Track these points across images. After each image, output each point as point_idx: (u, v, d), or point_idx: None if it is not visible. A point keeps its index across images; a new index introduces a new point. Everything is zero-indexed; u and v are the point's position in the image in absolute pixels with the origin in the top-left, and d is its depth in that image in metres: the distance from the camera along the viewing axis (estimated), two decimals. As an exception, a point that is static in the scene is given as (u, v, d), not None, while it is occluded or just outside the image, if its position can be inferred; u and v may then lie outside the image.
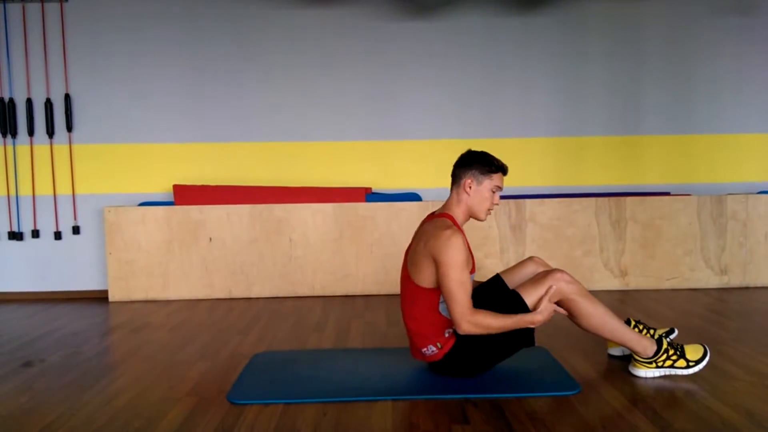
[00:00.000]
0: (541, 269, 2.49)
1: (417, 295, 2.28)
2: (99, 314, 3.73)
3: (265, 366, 2.55)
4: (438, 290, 2.24)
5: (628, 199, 4.10)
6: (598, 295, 3.94)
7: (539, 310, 2.23)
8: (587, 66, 4.34)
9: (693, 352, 2.36)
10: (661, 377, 2.32)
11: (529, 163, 4.35)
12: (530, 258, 2.55)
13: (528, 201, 4.10)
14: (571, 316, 2.33)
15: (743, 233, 4.10)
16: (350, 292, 4.10)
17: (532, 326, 2.24)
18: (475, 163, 2.31)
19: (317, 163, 4.31)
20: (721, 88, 4.36)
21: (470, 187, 2.30)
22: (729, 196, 4.10)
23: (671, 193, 4.25)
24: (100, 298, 4.22)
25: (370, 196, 4.15)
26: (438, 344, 2.28)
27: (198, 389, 2.31)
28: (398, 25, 4.27)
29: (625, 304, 3.69)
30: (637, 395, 2.15)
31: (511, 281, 2.48)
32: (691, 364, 2.33)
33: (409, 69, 4.29)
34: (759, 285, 4.11)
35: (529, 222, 4.09)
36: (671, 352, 2.34)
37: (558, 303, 2.30)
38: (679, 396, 2.13)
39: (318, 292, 4.11)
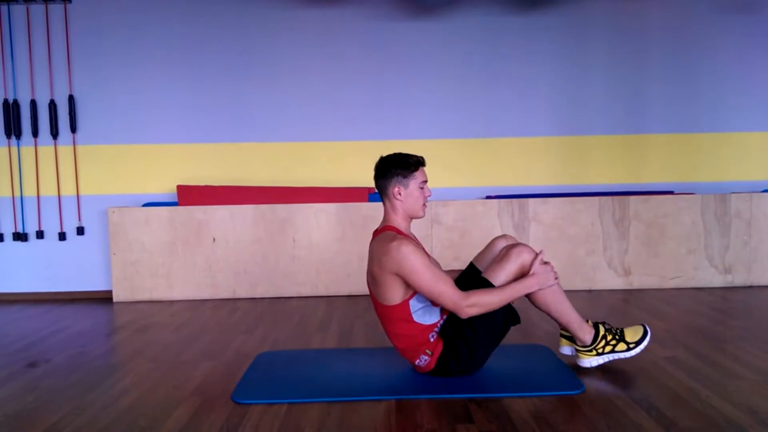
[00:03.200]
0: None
1: (390, 314, 2.28)
2: (103, 314, 3.75)
3: (269, 366, 2.55)
4: (407, 301, 2.24)
5: (632, 198, 4.09)
6: (602, 294, 3.96)
7: (532, 272, 2.24)
8: (590, 65, 4.33)
9: (632, 334, 2.37)
10: (607, 363, 2.32)
11: (532, 162, 4.35)
12: (501, 236, 2.51)
13: (531, 200, 4.09)
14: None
15: (747, 232, 4.09)
16: (353, 292, 4.11)
17: (529, 291, 2.25)
18: (394, 168, 2.30)
19: (320, 164, 4.32)
20: (724, 87, 4.35)
21: (400, 194, 2.30)
22: (733, 195, 4.09)
23: (675, 192, 4.24)
24: (104, 298, 4.24)
25: (372, 195, 4.15)
26: (428, 351, 2.28)
27: (202, 389, 2.32)
28: (401, 25, 4.27)
29: (629, 303, 3.69)
30: (641, 394, 2.15)
31: (483, 263, 2.45)
32: (631, 346, 2.34)
33: (411, 69, 4.29)
34: (763, 284, 4.09)
35: (532, 221, 4.09)
36: (609, 337, 2.35)
37: (522, 276, 2.27)
38: (683, 395, 2.13)
39: (321, 291, 4.11)
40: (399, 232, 2.30)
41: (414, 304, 2.26)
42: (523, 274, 2.28)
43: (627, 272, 4.11)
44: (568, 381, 2.27)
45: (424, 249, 2.32)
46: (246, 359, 2.68)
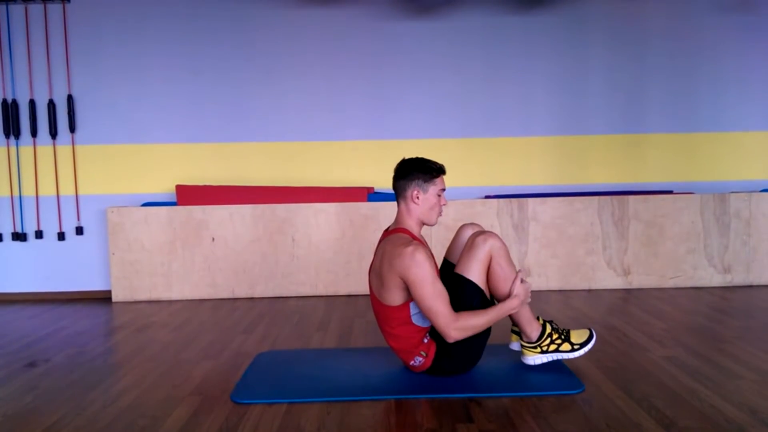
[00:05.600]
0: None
1: (390, 314, 2.29)
2: (102, 314, 3.74)
3: (268, 365, 2.55)
4: (407, 303, 2.25)
5: (631, 197, 4.09)
6: (601, 293, 3.96)
7: (513, 294, 2.27)
8: (589, 64, 4.33)
9: (578, 336, 2.37)
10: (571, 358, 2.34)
11: (531, 162, 4.35)
12: (467, 224, 2.51)
13: (530, 200, 4.09)
14: (491, 278, 2.31)
15: (746, 231, 4.09)
16: (353, 292, 4.11)
17: (512, 312, 2.28)
18: (416, 172, 2.31)
19: (319, 163, 4.32)
20: (723, 86, 4.35)
21: (417, 197, 2.30)
22: (732, 194, 4.09)
23: (674, 192, 4.24)
24: (103, 298, 4.23)
25: (372, 195, 4.15)
26: (422, 353, 2.29)
27: (202, 388, 2.32)
28: (399, 24, 4.27)
29: (628, 302, 3.69)
30: (641, 393, 2.15)
31: (454, 254, 2.46)
32: (576, 347, 2.35)
33: (410, 68, 4.29)
34: (762, 283, 4.10)
35: (531, 221, 4.09)
36: (555, 336, 2.35)
37: (490, 266, 2.28)
38: (683, 394, 2.13)
39: (321, 291, 4.11)
40: (412, 236, 2.30)
41: (414, 307, 2.26)
42: (491, 260, 2.27)
43: (626, 272, 4.11)
44: (568, 381, 2.27)
45: (433, 256, 2.33)
46: (245, 359, 2.68)
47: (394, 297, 2.24)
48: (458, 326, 2.18)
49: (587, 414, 1.99)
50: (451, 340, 2.20)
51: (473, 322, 2.20)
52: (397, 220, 2.37)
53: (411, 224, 2.33)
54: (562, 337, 2.36)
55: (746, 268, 4.09)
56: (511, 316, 2.36)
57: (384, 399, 2.15)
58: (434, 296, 2.16)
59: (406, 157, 2.38)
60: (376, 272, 2.30)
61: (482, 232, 2.31)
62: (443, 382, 2.27)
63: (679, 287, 4.08)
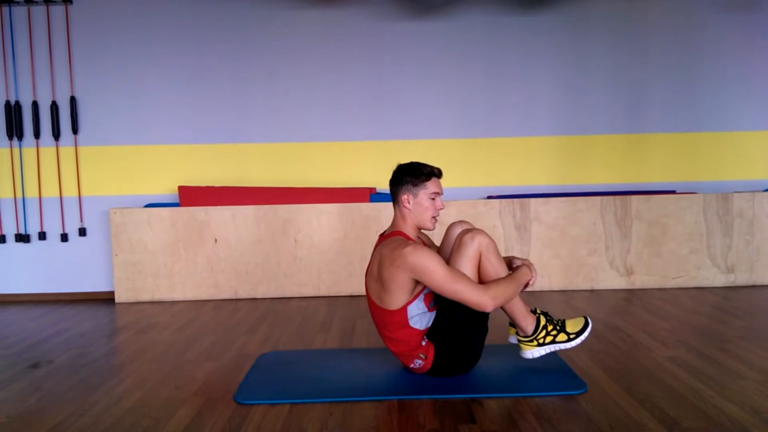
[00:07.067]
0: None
1: (388, 318, 2.28)
2: (105, 315, 3.75)
3: (271, 366, 2.56)
4: (405, 307, 2.24)
5: (634, 197, 4.09)
6: (604, 294, 3.96)
7: (529, 270, 2.32)
8: (591, 64, 4.33)
9: (573, 325, 2.37)
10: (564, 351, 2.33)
11: (533, 162, 4.35)
12: (456, 222, 2.50)
13: (532, 200, 4.09)
14: (482, 275, 2.30)
15: (750, 231, 4.08)
16: (355, 292, 4.11)
17: (527, 279, 2.30)
18: (406, 177, 2.30)
19: (321, 164, 4.32)
20: (726, 86, 4.34)
21: (408, 202, 2.30)
22: (735, 194, 4.09)
23: (677, 192, 4.24)
24: (106, 299, 4.24)
25: (374, 196, 4.15)
26: (421, 355, 2.29)
27: (205, 389, 2.32)
28: (401, 25, 4.27)
29: (631, 303, 3.68)
30: (645, 394, 2.15)
31: (445, 254, 2.44)
32: (571, 336, 2.35)
33: (412, 69, 4.29)
34: (766, 283, 4.09)
35: (533, 221, 4.09)
36: (550, 327, 2.35)
37: (480, 263, 2.28)
38: (686, 394, 2.13)
39: (323, 292, 4.12)
40: (408, 238, 2.30)
41: (412, 310, 2.26)
42: (481, 257, 2.27)
43: (629, 272, 4.10)
44: (570, 381, 2.27)
45: (438, 249, 2.31)
46: (248, 360, 2.68)
47: (396, 299, 2.24)
48: (491, 294, 2.17)
49: (590, 414, 1.99)
50: (490, 309, 2.18)
51: (503, 287, 2.21)
52: (393, 224, 2.36)
53: (407, 228, 2.33)
54: (558, 327, 2.36)
55: (749, 268, 4.08)
56: (506, 311, 2.36)
57: (386, 399, 2.15)
58: (452, 277, 2.15)
59: (402, 162, 2.36)
60: (373, 276, 2.30)
61: (469, 230, 2.30)
62: (445, 383, 2.27)
63: (682, 287, 4.08)
